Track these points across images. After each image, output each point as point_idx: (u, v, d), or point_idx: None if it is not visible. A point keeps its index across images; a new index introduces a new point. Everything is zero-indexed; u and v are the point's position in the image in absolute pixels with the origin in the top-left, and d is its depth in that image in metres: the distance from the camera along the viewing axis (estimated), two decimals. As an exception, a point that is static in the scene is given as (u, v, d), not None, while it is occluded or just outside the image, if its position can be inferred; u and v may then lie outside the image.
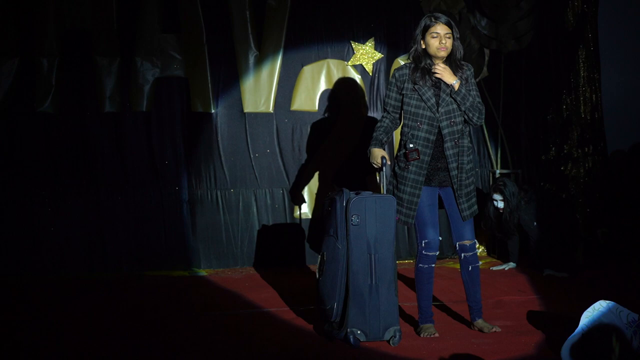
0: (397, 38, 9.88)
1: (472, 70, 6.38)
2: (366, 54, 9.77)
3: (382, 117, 6.52)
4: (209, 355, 6.05)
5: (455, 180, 6.27)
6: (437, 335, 6.32)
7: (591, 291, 7.70)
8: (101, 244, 9.43)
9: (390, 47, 9.85)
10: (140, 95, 9.50)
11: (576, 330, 5.44)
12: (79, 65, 9.42)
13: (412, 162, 6.24)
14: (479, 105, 6.28)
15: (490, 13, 10.00)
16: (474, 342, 6.13)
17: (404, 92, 6.33)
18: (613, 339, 5.09)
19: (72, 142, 9.42)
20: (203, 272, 9.41)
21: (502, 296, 7.70)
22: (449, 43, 6.24)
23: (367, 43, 9.77)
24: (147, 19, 9.47)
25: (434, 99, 6.24)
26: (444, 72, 6.22)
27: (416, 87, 6.27)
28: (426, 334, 6.33)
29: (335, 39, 9.78)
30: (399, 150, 6.39)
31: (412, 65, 6.35)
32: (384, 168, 6.34)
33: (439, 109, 6.22)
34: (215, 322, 7.02)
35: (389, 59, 9.83)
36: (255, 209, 9.66)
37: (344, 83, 9.73)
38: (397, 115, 6.45)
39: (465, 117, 6.26)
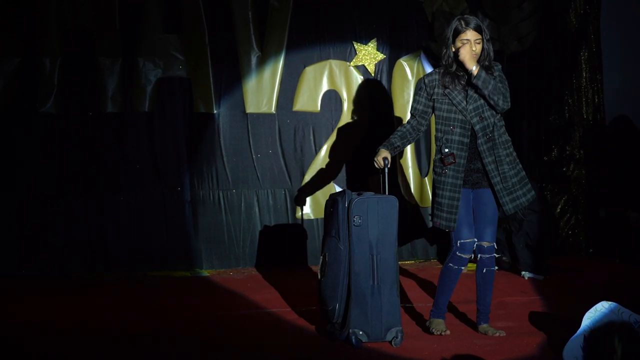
0: (400, 39, 9.87)
1: (500, 67, 6.32)
2: (368, 55, 9.77)
3: (407, 121, 6.49)
4: (210, 355, 6.05)
5: (495, 173, 6.20)
6: (448, 332, 6.30)
7: (593, 292, 7.70)
8: (103, 244, 9.44)
9: (393, 47, 9.84)
10: (143, 96, 9.50)
11: (578, 331, 5.44)
12: (81, 66, 9.43)
13: (448, 166, 6.21)
14: (501, 88, 6.19)
15: (492, 14, 10.00)
16: (476, 343, 6.13)
17: (434, 97, 6.28)
18: (616, 340, 5.09)
19: (74, 142, 9.43)
20: (205, 273, 9.41)
21: (504, 297, 7.70)
22: (478, 49, 6.17)
23: (370, 44, 9.77)
24: (149, 19, 9.47)
25: (464, 102, 6.20)
26: (465, 56, 6.16)
27: (446, 91, 6.23)
28: (437, 330, 6.31)
29: (337, 39, 9.78)
30: (435, 155, 6.35)
31: (442, 70, 6.30)
32: (385, 169, 6.33)
33: (467, 106, 6.18)
34: (216, 322, 7.03)
35: (391, 60, 9.82)
36: (257, 210, 9.66)
37: (347, 84, 9.73)
38: (423, 121, 6.38)
39: (491, 102, 6.17)
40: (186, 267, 9.52)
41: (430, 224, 9.76)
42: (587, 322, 5.43)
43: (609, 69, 10.29)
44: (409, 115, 9.52)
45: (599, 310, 5.45)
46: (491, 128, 6.22)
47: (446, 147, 6.21)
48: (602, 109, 10.18)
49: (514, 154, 6.32)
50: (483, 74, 6.13)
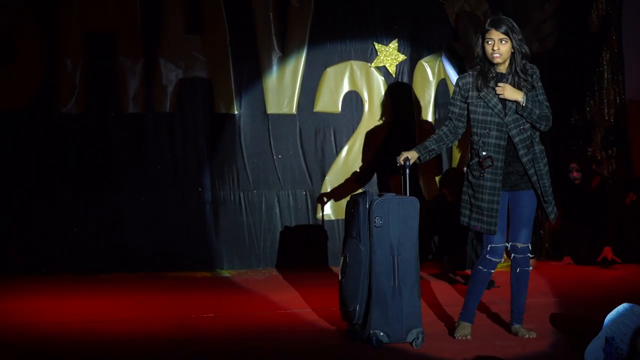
0: (421, 40, 9.87)
1: (538, 72, 6.29)
2: (389, 56, 9.76)
3: (445, 124, 6.45)
4: (230, 356, 6.06)
5: (538, 186, 6.20)
6: (469, 337, 6.27)
7: (615, 293, 7.69)
8: (123, 244, 9.48)
9: (414, 48, 9.84)
10: (164, 96, 9.53)
11: (599, 334, 5.42)
12: (103, 66, 9.47)
13: (486, 169, 6.18)
14: (546, 112, 6.18)
15: (513, 15, 9.94)
16: (497, 345, 6.12)
17: (469, 100, 6.23)
18: (638, 342, 5.06)
19: (96, 142, 9.47)
20: (225, 273, 9.43)
21: (524, 299, 7.68)
22: (503, 49, 6.10)
23: (391, 44, 9.77)
24: (170, 20, 9.50)
25: (500, 104, 6.15)
26: (504, 91, 6.11)
27: (481, 94, 6.19)
28: (460, 334, 6.28)
29: (358, 40, 9.79)
30: (470, 159, 6.32)
31: (475, 73, 6.28)
32: (407, 170, 6.31)
33: (506, 117, 6.15)
34: (236, 322, 7.03)
35: (412, 61, 9.82)
36: (278, 210, 9.67)
37: (367, 85, 9.73)
38: (461, 124, 6.33)
39: (535, 126, 6.18)
40: (207, 267, 9.54)
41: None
42: (609, 324, 5.41)
43: (631, 70, 10.25)
44: (429, 116, 9.57)
45: (621, 312, 5.43)
46: (530, 141, 6.20)
47: (483, 150, 6.18)
48: (623, 110, 10.14)
49: (547, 166, 6.30)
50: (529, 104, 6.11)
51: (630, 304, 5.45)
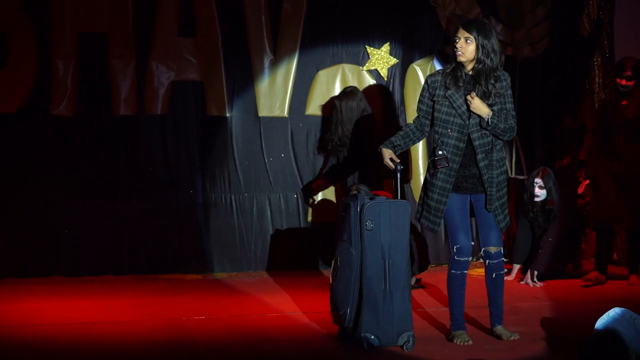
0: (413, 43, 9.87)
1: (509, 80, 6.30)
2: (381, 59, 9.77)
3: (412, 120, 6.48)
4: (222, 358, 6.06)
5: (487, 192, 6.23)
6: (470, 342, 6.27)
7: (607, 297, 7.70)
8: (115, 246, 9.46)
9: (406, 52, 9.84)
10: (156, 99, 9.52)
11: (591, 338, 5.43)
12: (95, 68, 9.45)
13: (440, 169, 6.20)
14: (511, 123, 6.21)
15: (505, 19, 9.99)
16: (487, 349, 6.13)
17: (435, 98, 6.27)
18: (629, 347, 5.07)
19: (87, 145, 9.45)
20: (216, 276, 9.42)
21: (516, 302, 7.70)
22: (467, 48, 6.14)
23: (383, 48, 9.78)
24: (163, 22, 9.48)
25: (465, 106, 6.18)
26: (472, 103, 6.12)
27: (448, 93, 6.22)
28: (460, 340, 6.28)
29: (350, 43, 9.79)
30: (429, 157, 6.35)
31: (445, 71, 6.29)
32: (398, 174, 6.33)
33: (470, 120, 6.17)
34: (227, 325, 7.03)
35: (404, 64, 9.82)
36: (269, 213, 9.67)
37: (359, 88, 9.73)
38: (427, 122, 6.34)
39: (499, 137, 6.23)
40: (198, 270, 9.54)
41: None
42: (599, 328, 5.42)
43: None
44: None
45: (611, 316, 5.44)
46: (490, 146, 6.21)
47: (440, 150, 6.21)
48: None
49: (503, 175, 6.31)
50: (495, 120, 6.13)
51: (622, 309, 5.46)
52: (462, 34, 6.19)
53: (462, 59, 6.17)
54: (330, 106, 9.35)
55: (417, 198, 9.63)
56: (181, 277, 9.34)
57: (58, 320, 7.27)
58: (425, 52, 9.92)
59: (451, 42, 6.28)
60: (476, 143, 6.18)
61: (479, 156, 6.18)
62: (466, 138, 6.19)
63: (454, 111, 6.20)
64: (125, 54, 9.45)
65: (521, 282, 8.68)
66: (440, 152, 6.20)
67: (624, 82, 8.40)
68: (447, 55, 9.76)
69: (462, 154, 6.20)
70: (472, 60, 6.19)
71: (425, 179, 6.34)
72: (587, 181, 8.61)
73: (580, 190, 8.77)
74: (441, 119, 6.23)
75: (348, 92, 9.13)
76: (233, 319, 7.30)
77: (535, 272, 8.67)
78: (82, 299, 8.19)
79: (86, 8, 9.41)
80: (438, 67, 9.82)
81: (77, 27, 9.40)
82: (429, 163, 6.32)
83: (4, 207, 9.29)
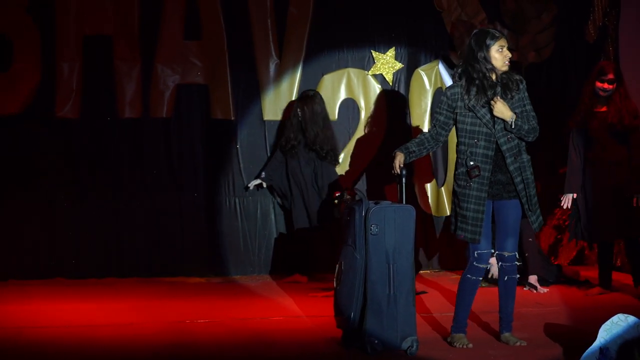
0: (418, 48, 9.87)
1: (524, 82, 6.33)
2: (386, 64, 9.77)
3: (428, 130, 6.50)
4: (226, 362, 6.08)
5: (523, 194, 6.25)
6: (470, 345, 6.27)
7: (611, 304, 7.69)
8: (118, 248, 9.47)
9: (411, 57, 9.84)
10: (161, 101, 9.52)
11: (594, 344, 5.42)
12: (100, 71, 9.47)
13: (474, 179, 6.21)
14: (533, 124, 6.27)
15: (511, 24, 9.99)
16: (491, 354, 6.12)
17: (457, 110, 6.28)
18: (636, 354, 5.07)
19: (92, 147, 9.46)
20: (220, 279, 9.42)
21: (519, 308, 7.65)
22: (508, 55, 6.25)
23: (388, 53, 9.77)
24: (168, 25, 9.49)
25: (489, 114, 6.19)
26: (495, 107, 6.15)
27: (470, 104, 6.22)
28: (459, 344, 6.28)
29: (355, 48, 9.79)
30: (456, 168, 6.34)
31: (465, 83, 6.27)
32: (403, 179, 6.33)
33: (496, 126, 6.19)
34: (231, 328, 7.03)
35: (409, 69, 9.82)
36: (273, 217, 9.67)
37: (364, 92, 9.73)
38: (443, 132, 6.36)
39: (523, 139, 6.28)
40: (201, 273, 9.54)
41: (438, 234, 9.78)
42: (603, 335, 5.41)
43: (627, 80, 10.24)
44: (425, 125, 9.57)
45: (616, 323, 5.43)
46: (517, 149, 6.24)
47: (471, 160, 6.20)
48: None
49: (533, 175, 6.35)
50: (519, 122, 6.17)
51: (626, 315, 5.46)
52: (506, 43, 6.23)
53: (506, 68, 6.20)
54: (290, 109, 9.40)
55: (422, 205, 9.67)
56: (184, 280, 9.34)
57: (60, 322, 7.27)
58: (431, 57, 9.92)
59: (475, 52, 6.22)
60: (504, 147, 6.20)
61: (509, 160, 6.20)
62: (494, 146, 6.21)
63: (478, 121, 6.21)
64: (130, 57, 9.46)
65: (525, 289, 8.66)
66: (471, 163, 6.20)
67: (606, 85, 8.38)
68: (453, 60, 9.77)
69: (492, 162, 6.21)
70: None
71: (455, 191, 6.32)
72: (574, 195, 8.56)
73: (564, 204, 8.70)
74: (466, 129, 6.24)
75: (311, 96, 9.24)
76: (236, 322, 7.30)
77: (536, 277, 8.67)
78: (84, 302, 8.19)
79: (91, 11, 9.42)
80: (443, 72, 9.82)
81: (82, 30, 9.42)
82: (457, 174, 6.30)
83: (8, 208, 9.30)
